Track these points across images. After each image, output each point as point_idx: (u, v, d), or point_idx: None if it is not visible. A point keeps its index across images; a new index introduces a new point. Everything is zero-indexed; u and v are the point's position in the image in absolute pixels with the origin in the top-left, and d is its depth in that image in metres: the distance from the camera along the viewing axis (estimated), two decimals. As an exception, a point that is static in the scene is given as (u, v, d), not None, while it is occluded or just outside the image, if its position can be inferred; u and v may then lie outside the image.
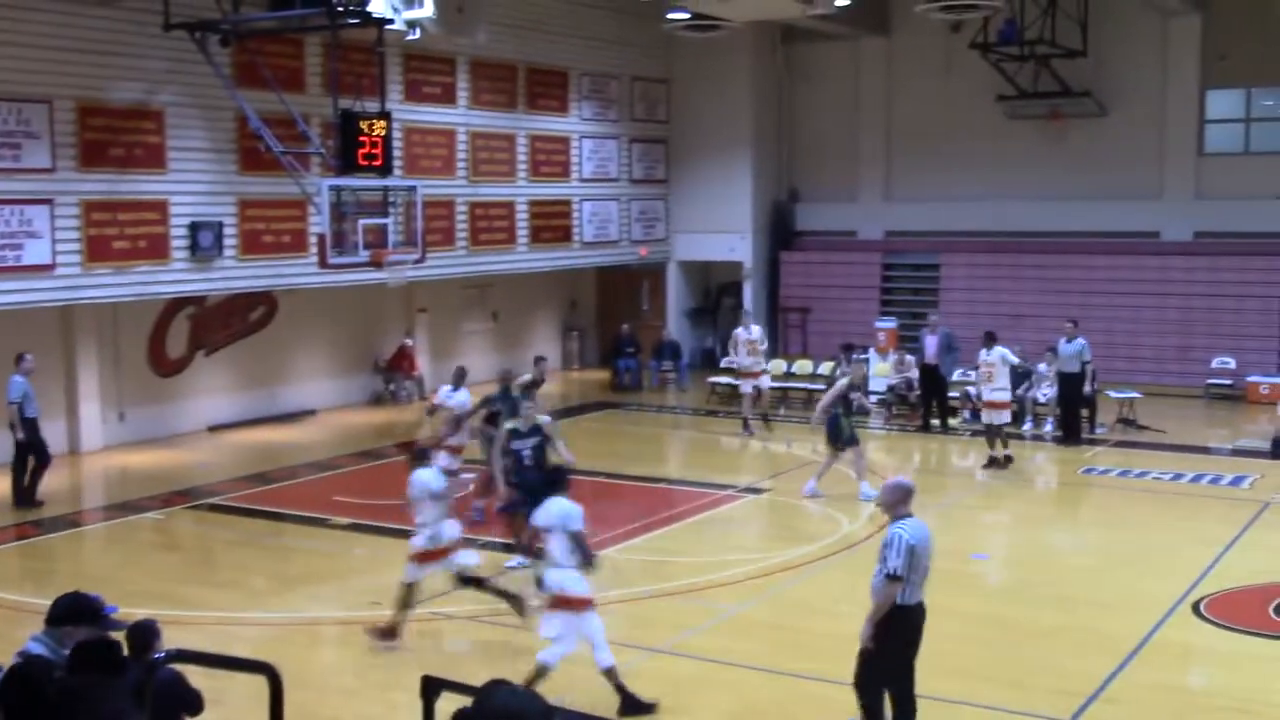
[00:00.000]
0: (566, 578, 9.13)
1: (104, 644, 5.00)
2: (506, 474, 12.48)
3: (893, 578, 7.71)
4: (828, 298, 26.83)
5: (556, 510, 9.22)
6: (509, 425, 12.66)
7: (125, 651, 6.43)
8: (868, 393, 19.29)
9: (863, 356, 22.23)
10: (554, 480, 9.71)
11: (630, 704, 8.91)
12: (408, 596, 10.63)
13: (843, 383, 16.11)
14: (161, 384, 20.28)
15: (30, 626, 5.63)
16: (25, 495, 15.56)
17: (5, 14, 16.15)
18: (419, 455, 11.19)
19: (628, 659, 10.38)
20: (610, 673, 8.96)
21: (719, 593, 12.12)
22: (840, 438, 15.77)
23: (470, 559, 11.49)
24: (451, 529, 10.91)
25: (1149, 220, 24.97)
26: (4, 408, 15.68)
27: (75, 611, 5.40)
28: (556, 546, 9.15)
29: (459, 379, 15.60)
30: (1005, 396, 17.75)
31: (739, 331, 20.82)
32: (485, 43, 21.66)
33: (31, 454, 15.57)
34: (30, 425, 15.47)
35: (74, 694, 5.01)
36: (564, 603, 9.08)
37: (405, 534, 14.12)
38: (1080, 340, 19.14)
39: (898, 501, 8.01)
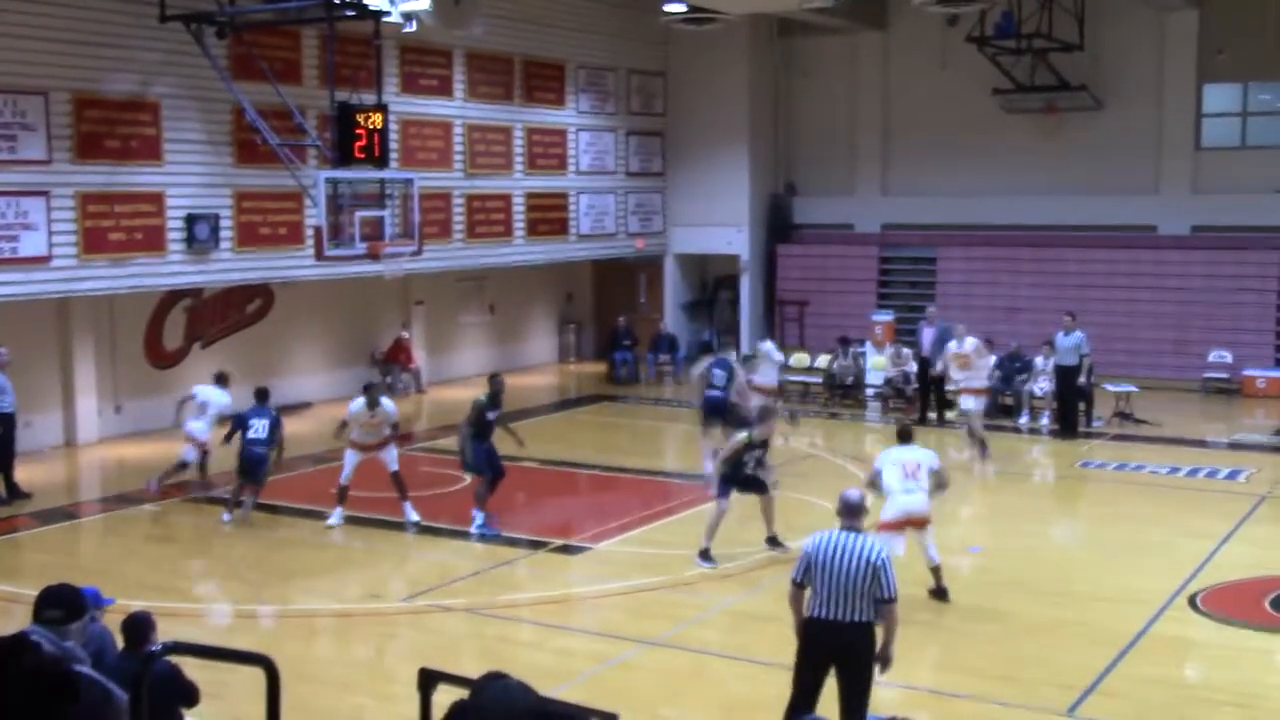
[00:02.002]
0: (911, 503, 11.09)
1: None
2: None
3: (793, 583, 7.88)
4: (825, 291, 26.82)
5: (925, 456, 11.46)
6: (742, 435, 12.57)
7: (121, 645, 6.43)
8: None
9: (860, 351, 22.31)
10: (907, 432, 12.02)
11: (941, 591, 11.30)
12: None
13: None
14: (158, 376, 20.26)
15: (25, 620, 5.62)
16: (10, 490, 15.59)
17: (1, 5, 16.10)
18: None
19: (624, 651, 10.40)
20: (937, 570, 11.29)
21: (715, 585, 12.13)
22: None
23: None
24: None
25: (1146, 214, 24.96)
26: None
27: (58, 605, 5.35)
28: (896, 480, 11.13)
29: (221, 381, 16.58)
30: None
31: (952, 345, 18.47)
32: (482, 35, 21.63)
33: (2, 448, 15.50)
34: (5, 420, 15.45)
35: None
36: (911, 522, 11.15)
37: (400, 526, 14.21)
38: (1078, 333, 19.14)
39: (837, 512, 8.01)
